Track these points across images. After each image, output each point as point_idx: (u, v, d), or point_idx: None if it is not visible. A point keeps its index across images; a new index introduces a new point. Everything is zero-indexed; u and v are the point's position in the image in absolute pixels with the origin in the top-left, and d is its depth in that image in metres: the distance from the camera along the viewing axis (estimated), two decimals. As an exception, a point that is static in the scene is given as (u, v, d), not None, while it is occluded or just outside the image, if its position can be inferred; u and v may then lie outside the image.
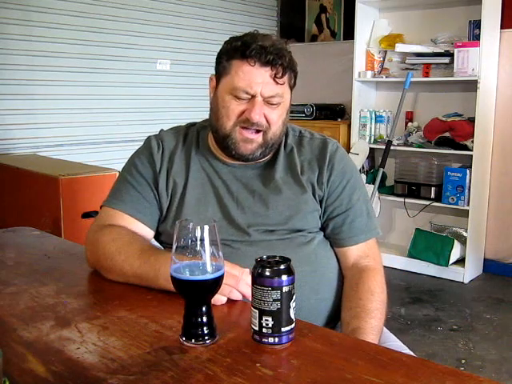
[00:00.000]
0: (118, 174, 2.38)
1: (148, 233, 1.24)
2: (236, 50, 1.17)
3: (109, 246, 1.13)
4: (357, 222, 1.26)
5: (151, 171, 1.25)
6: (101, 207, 1.28)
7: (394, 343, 1.21)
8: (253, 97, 1.16)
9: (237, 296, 0.99)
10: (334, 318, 1.22)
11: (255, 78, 1.15)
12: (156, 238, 1.28)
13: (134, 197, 1.23)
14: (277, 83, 1.16)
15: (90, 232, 1.21)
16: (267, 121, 1.18)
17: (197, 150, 1.29)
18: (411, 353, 1.17)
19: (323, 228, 1.28)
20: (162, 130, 1.34)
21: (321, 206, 1.26)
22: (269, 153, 1.25)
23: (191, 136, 1.31)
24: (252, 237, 1.20)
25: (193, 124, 1.36)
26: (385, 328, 1.21)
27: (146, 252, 1.09)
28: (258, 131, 1.19)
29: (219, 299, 0.98)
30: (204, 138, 1.30)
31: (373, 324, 1.12)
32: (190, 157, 1.27)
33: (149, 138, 1.31)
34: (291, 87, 1.23)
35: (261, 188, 1.24)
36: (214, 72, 1.26)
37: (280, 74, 1.16)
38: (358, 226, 1.26)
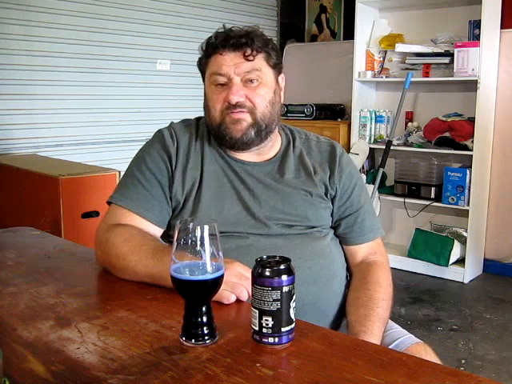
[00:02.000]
0: (117, 174, 2.40)
1: (157, 231, 1.23)
2: (206, 48, 1.24)
3: (121, 246, 1.12)
4: (366, 222, 1.30)
5: (164, 167, 1.23)
6: (108, 202, 1.26)
7: (397, 330, 1.23)
8: (229, 79, 1.20)
9: (245, 297, 0.98)
10: (342, 315, 1.23)
11: (226, 61, 1.20)
12: (164, 232, 1.27)
13: (142, 194, 1.22)
14: (249, 60, 1.20)
15: (100, 231, 1.20)
16: (251, 101, 1.21)
17: (209, 142, 1.29)
18: (412, 336, 1.19)
19: (335, 227, 1.31)
20: (172, 122, 1.33)
21: (332, 204, 1.29)
22: (265, 136, 1.25)
23: (202, 129, 1.31)
24: (271, 229, 1.21)
25: (201, 117, 1.36)
26: None
27: (160, 252, 1.08)
28: (242, 111, 1.21)
29: (228, 297, 0.96)
30: None
31: (380, 313, 1.14)
32: (204, 150, 1.27)
33: (160, 131, 1.29)
34: (273, 66, 1.25)
35: (274, 184, 1.26)
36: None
37: (249, 53, 1.19)
38: (368, 225, 1.31)
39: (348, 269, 1.30)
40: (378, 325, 1.11)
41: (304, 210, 1.24)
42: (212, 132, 1.27)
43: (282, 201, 1.24)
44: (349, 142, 3.86)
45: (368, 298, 1.17)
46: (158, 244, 1.15)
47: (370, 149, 3.83)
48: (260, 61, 1.21)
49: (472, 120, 3.34)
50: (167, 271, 1.00)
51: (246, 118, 1.21)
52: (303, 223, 1.24)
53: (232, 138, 1.22)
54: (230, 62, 1.19)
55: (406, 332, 1.22)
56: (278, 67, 1.26)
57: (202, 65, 1.27)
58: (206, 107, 1.26)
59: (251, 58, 1.19)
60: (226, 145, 1.25)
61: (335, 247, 1.28)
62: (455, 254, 3.46)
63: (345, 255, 1.30)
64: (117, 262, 1.12)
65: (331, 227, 1.30)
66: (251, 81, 1.20)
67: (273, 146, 1.31)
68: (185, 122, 1.34)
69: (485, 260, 3.64)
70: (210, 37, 1.24)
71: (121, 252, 1.11)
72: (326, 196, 1.28)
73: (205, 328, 0.84)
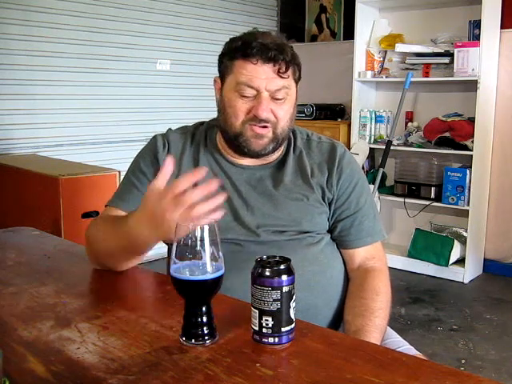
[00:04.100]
0: (117, 174, 2.40)
1: None
2: (237, 50, 1.17)
3: (96, 235, 1.17)
4: (364, 225, 1.27)
5: (154, 170, 1.24)
6: (105, 206, 1.28)
7: (396, 340, 1.22)
8: (258, 93, 1.16)
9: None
10: (339, 320, 1.22)
11: (258, 74, 1.15)
12: None
13: (134, 194, 1.24)
14: (281, 77, 1.16)
15: (87, 231, 1.22)
16: (275, 116, 1.18)
17: (205, 149, 1.28)
18: (412, 348, 1.18)
19: (331, 230, 1.28)
20: (169, 129, 1.33)
21: (329, 209, 1.27)
22: (278, 147, 1.25)
23: (199, 136, 1.31)
24: (261, 237, 1.20)
25: (201, 123, 1.35)
26: None
27: (122, 218, 1.10)
28: (266, 126, 1.18)
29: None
30: (212, 138, 1.30)
31: (376, 323, 1.12)
32: (198, 157, 1.27)
33: (155, 136, 1.30)
34: (296, 81, 1.23)
35: (270, 189, 1.24)
36: (215, 72, 1.26)
37: (283, 69, 1.16)
38: (366, 228, 1.27)
39: (347, 274, 1.28)
40: (375, 335, 1.10)
41: (298, 216, 1.22)
42: (225, 137, 1.25)
43: (276, 207, 1.22)
44: (349, 141, 3.86)
45: (365, 307, 1.15)
46: (121, 216, 1.17)
47: (370, 149, 3.83)
48: (289, 77, 1.19)
49: (472, 120, 3.34)
50: (131, 222, 1.03)
51: (268, 134, 1.19)
52: (296, 228, 1.22)
53: (250, 151, 1.21)
54: (262, 75, 1.15)
55: (405, 342, 1.21)
56: (299, 80, 1.25)
57: (226, 64, 1.21)
58: (224, 112, 1.22)
59: (285, 75, 1.16)
60: (241, 153, 1.24)
61: (331, 252, 1.26)
62: (455, 254, 3.46)
63: (343, 260, 1.28)
64: (98, 249, 1.16)
65: (328, 231, 1.28)
66: (278, 97, 1.18)
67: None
68: (182, 129, 1.34)
69: (485, 260, 3.64)
70: (242, 39, 1.18)
71: (99, 239, 1.16)
72: (324, 200, 1.25)
73: (205, 328, 0.84)
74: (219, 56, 1.23)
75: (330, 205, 1.27)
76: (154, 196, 0.96)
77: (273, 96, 1.17)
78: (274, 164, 1.28)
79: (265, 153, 1.22)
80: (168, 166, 0.97)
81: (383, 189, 3.79)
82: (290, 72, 1.18)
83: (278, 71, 1.15)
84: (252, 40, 1.15)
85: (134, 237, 1.03)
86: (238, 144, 1.21)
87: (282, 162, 1.28)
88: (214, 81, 1.27)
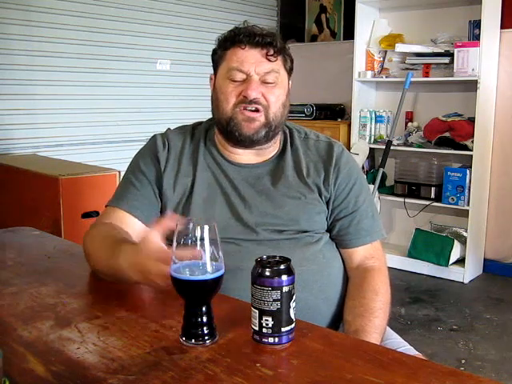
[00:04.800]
0: (117, 174, 2.40)
1: (143, 230, 1.23)
2: (227, 40, 1.22)
3: (93, 249, 1.16)
4: (363, 224, 1.26)
5: (154, 170, 1.25)
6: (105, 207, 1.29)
7: (395, 340, 1.22)
8: (248, 76, 1.19)
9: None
10: (338, 319, 1.22)
11: (248, 58, 1.19)
12: None
13: (133, 194, 1.24)
14: (270, 61, 1.20)
15: (86, 232, 1.23)
16: (266, 100, 1.20)
17: (204, 148, 1.29)
18: (412, 348, 1.18)
19: (330, 229, 1.28)
20: (168, 128, 1.34)
21: (327, 208, 1.26)
22: (272, 136, 1.24)
23: (198, 135, 1.31)
24: (260, 235, 1.20)
25: (199, 123, 1.36)
26: None
27: (117, 247, 1.07)
28: (257, 110, 1.20)
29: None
30: (211, 137, 1.30)
31: (376, 323, 1.12)
32: (197, 156, 1.27)
33: (154, 136, 1.31)
34: (288, 71, 1.25)
35: (268, 188, 1.24)
36: (212, 72, 1.28)
37: (272, 53, 1.19)
38: (365, 227, 1.27)
39: (346, 273, 1.27)
40: (375, 336, 1.10)
41: (296, 215, 1.22)
42: (219, 126, 1.26)
43: (274, 205, 1.22)
44: (349, 141, 3.86)
45: (364, 307, 1.15)
46: (119, 239, 1.13)
47: (370, 149, 3.83)
48: (279, 63, 1.22)
49: (472, 120, 3.34)
50: (122, 263, 1.00)
51: (260, 118, 1.20)
52: (294, 227, 1.22)
53: (241, 135, 1.21)
54: (251, 59, 1.18)
55: (405, 343, 1.21)
56: (291, 73, 1.27)
57: (218, 56, 1.24)
58: (216, 100, 1.24)
59: (273, 59, 1.19)
60: (233, 140, 1.24)
61: (330, 252, 1.25)
62: (455, 254, 3.46)
63: (342, 259, 1.28)
64: (91, 265, 1.16)
65: (327, 230, 1.27)
66: (269, 81, 1.21)
67: (272, 146, 1.30)
68: (180, 128, 1.35)
69: (485, 260, 3.64)
70: (231, 30, 1.22)
71: (92, 255, 1.15)
72: (321, 199, 1.25)
73: (205, 328, 0.84)
74: (212, 51, 1.26)
75: (327, 204, 1.26)
76: (146, 250, 0.93)
77: (263, 80, 1.19)
78: (271, 161, 1.28)
79: (257, 138, 1.21)
80: (168, 220, 0.92)
81: (383, 189, 3.80)
82: (279, 58, 1.22)
83: (267, 54, 1.19)
84: (240, 29, 1.21)
85: (123, 276, 1.02)
86: (230, 130, 1.22)
87: (279, 159, 1.28)
88: (210, 78, 1.29)
